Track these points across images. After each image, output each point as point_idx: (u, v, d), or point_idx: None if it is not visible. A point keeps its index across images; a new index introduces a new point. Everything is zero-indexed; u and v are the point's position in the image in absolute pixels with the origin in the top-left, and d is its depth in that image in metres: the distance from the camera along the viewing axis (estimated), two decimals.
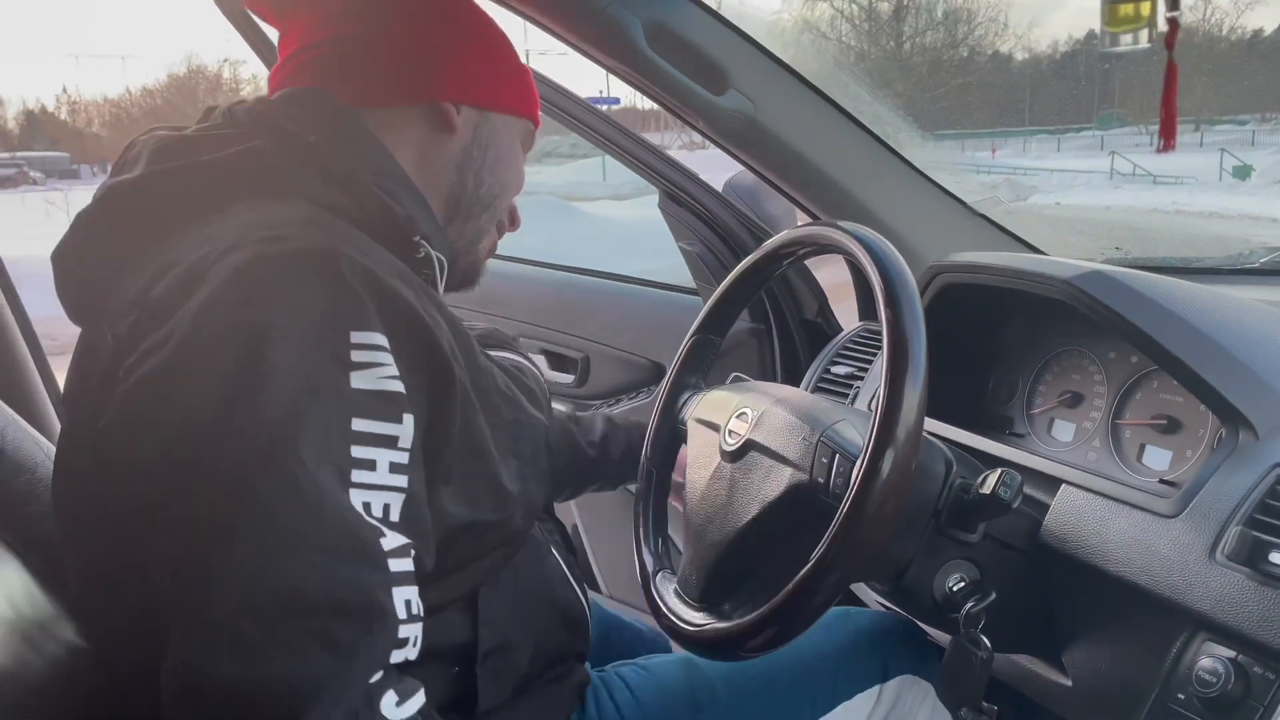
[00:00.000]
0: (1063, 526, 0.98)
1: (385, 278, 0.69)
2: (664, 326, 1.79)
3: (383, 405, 0.64)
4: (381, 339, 0.65)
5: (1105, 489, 0.97)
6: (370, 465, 0.63)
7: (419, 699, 0.63)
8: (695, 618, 0.97)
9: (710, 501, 1.03)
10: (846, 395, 1.46)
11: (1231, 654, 0.81)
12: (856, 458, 0.83)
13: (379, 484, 0.63)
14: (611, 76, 1.35)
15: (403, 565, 0.63)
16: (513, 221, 1.01)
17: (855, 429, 0.93)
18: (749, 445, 1.00)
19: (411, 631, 0.63)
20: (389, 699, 0.60)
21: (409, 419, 0.66)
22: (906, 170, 1.48)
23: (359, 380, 0.63)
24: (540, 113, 1.00)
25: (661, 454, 1.17)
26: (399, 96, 0.86)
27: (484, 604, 0.85)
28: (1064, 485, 1.01)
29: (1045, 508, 1.01)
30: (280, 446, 0.59)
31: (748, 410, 1.02)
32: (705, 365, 1.18)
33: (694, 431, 1.11)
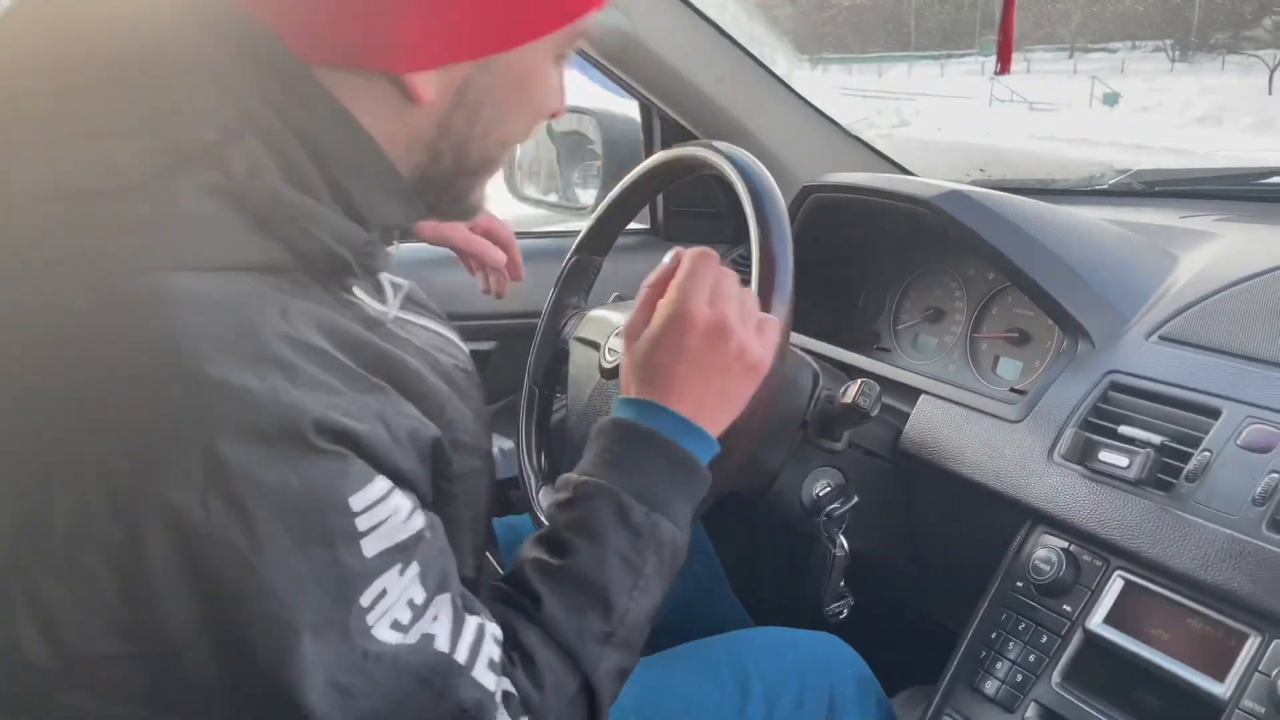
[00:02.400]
0: (921, 434, 1.05)
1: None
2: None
3: (401, 552, 0.55)
4: (384, 483, 0.54)
5: (960, 398, 1.04)
6: (381, 595, 0.54)
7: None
8: None
9: (591, 418, 1.06)
10: None
11: (1064, 544, 0.89)
12: None
13: (395, 596, 0.55)
14: None
15: (469, 634, 0.58)
16: (555, 116, 0.72)
17: None
18: None
19: (502, 678, 0.60)
20: None
21: (429, 533, 0.58)
22: (784, 92, 1.51)
23: (371, 546, 0.53)
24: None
25: (544, 373, 1.19)
26: (345, 56, 0.59)
27: None
28: (923, 395, 1.07)
29: (906, 417, 1.07)
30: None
31: None
32: (586, 285, 1.19)
33: (575, 350, 1.13)
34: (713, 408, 0.73)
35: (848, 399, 0.93)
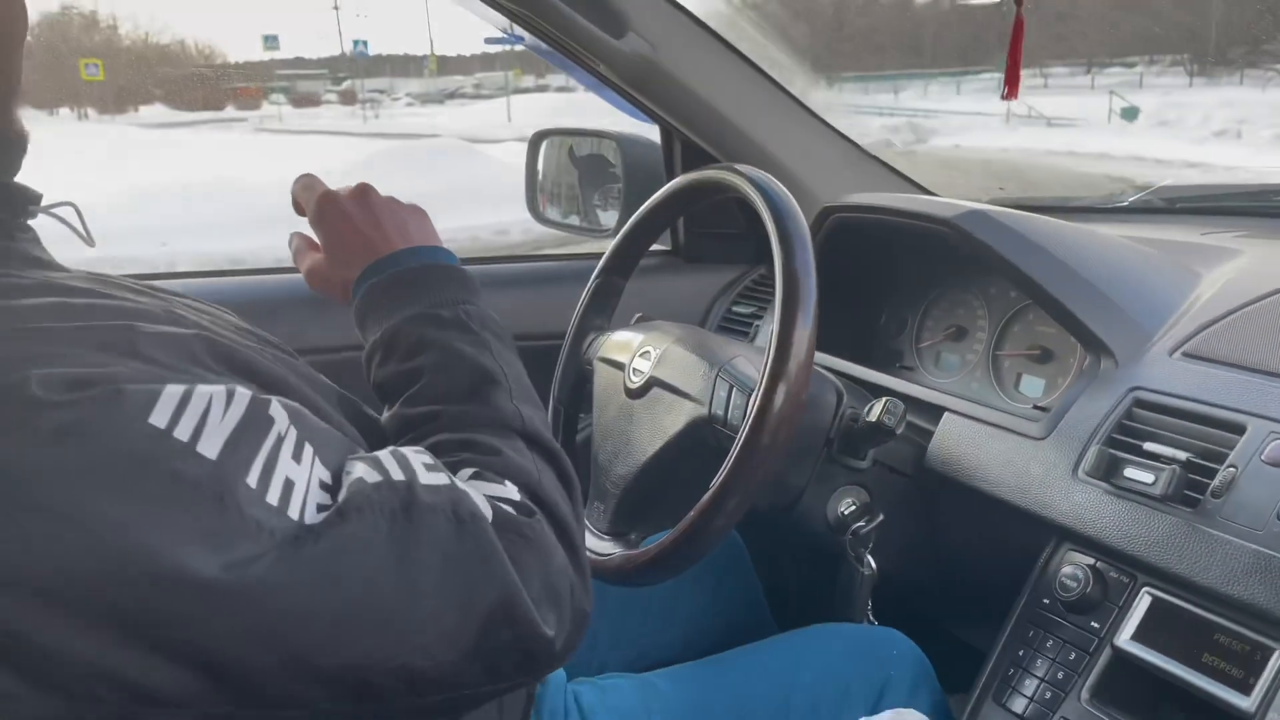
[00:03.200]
0: (945, 451, 1.05)
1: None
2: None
3: (249, 434, 0.51)
4: (176, 387, 0.50)
5: (983, 415, 1.04)
6: (289, 487, 0.51)
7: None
8: (603, 547, 1.02)
9: (616, 438, 1.07)
10: (748, 333, 1.51)
11: (1090, 561, 0.89)
12: (752, 390, 0.87)
13: (305, 483, 0.52)
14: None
15: (390, 461, 0.57)
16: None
17: (751, 364, 0.97)
18: (652, 382, 1.04)
19: (451, 472, 0.59)
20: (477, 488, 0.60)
21: (275, 406, 0.54)
22: (803, 114, 1.52)
23: (210, 446, 0.49)
24: None
25: (568, 393, 1.21)
26: None
27: None
28: (946, 413, 1.08)
29: (930, 434, 1.08)
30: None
31: (650, 349, 1.06)
32: (610, 307, 1.21)
33: (599, 371, 1.14)
34: (416, 235, 0.77)
35: (872, 417, 0.93)
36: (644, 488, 1.03)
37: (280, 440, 0.52)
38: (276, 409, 0.53)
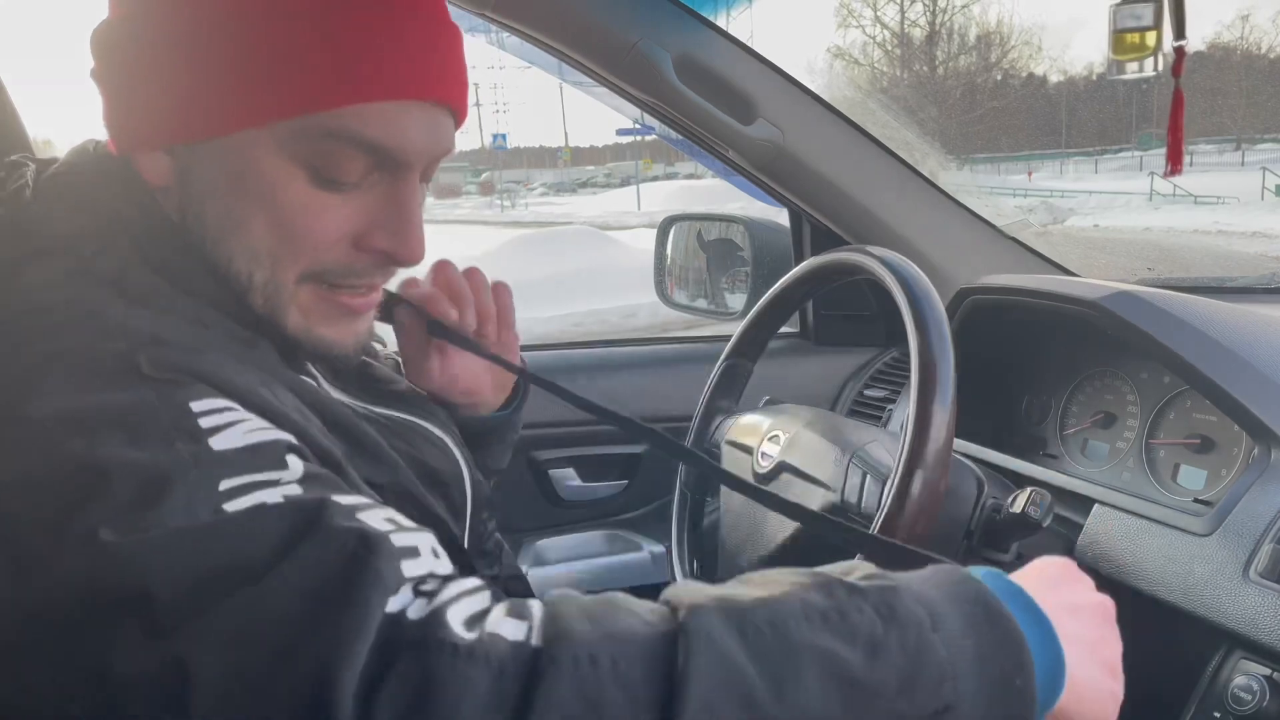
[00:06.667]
0: (1096, 546, 0.99)
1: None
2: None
3: (255, 455, 0.52)
4: (227, 401, 0.55)
5: (1138, 508, 0.98)
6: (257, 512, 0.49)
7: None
8: None
9: (744, 523, 1.05)
10: (880, 418, 1.47)
11: (1267, 671, 0.81)
12: (887, 478, 0.84)
13: (270, 493, 0.50)
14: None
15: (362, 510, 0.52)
16: (405, 262, 0.72)
17: (886, 450, 0.94)
18: (781, 467, 1.01)
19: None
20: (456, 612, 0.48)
21: (296, 461, 0.54)
22: (935, 195, 1.50)
23: (220, 442, 0.52)
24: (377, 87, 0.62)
25: (695, 478, 1.19)
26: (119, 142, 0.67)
27: None
28: (1097, 505, 1.01)
29: (1079, 527, 1.02)
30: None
31: (779, 433, 1.04)
32: (738, 389, 1.19)
33: (727, 454, 1.13)
34: None
35: (1017, 508, 0.89)
36: None
37: (277, 483, 0.51)
38: (296, 463, 0.53)
